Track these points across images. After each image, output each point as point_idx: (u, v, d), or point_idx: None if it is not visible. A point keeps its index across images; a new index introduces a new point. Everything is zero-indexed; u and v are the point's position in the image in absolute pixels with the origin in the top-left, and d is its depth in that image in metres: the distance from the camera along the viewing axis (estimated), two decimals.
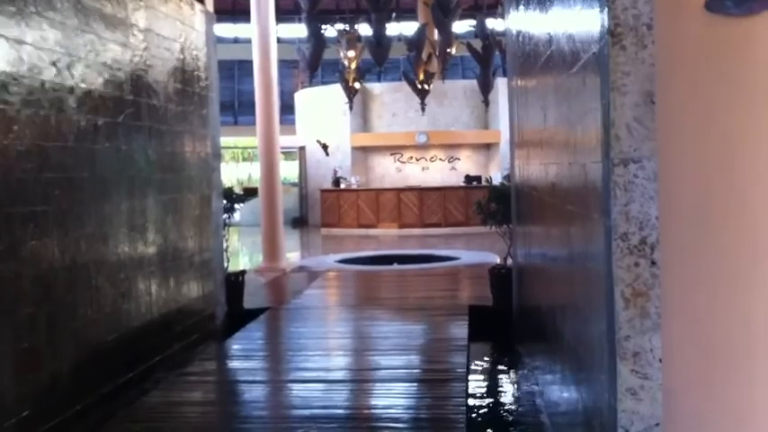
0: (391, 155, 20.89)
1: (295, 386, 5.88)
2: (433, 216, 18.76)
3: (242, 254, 16.28)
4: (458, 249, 14.36)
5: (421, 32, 17.95)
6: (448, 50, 16.29)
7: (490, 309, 8.47)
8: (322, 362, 6.50)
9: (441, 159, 20.70)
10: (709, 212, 2.10)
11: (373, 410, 5.28)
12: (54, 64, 5.10)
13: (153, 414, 5.23)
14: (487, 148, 20.79)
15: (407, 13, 20.38)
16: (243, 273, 9.02)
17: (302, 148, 22.04)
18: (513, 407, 5.87)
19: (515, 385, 6.45)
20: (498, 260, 12.63)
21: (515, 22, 6.47)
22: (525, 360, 6.55)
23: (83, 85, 5.48)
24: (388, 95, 20.88)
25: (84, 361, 5.41)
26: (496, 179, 19.54)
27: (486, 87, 17.72)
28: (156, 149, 6.80)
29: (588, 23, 2.90)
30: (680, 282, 2.28)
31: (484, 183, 14.40)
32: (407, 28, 18.89)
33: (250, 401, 5.66)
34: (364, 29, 18.31)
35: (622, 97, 2.53)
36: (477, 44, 18.08)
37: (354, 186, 19.76)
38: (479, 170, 20.42)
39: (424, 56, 17.95)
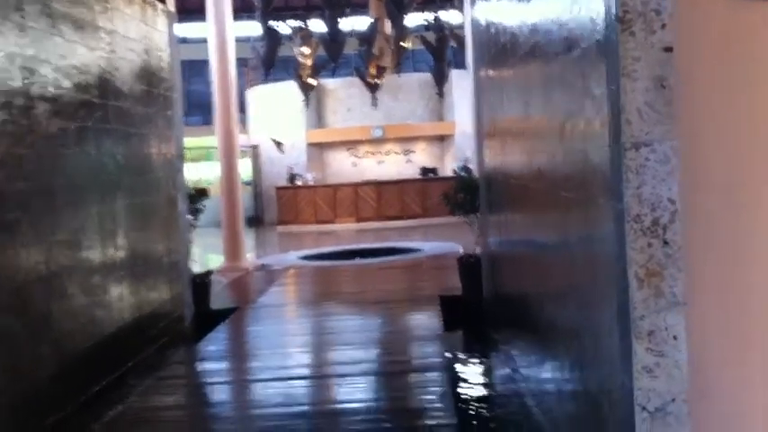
0: (347, 150, 20.88)
1: (275, 384, 5.84)
2: (390, 209, 18.83)
3: (201, 254, 16.09)
4: (419, 241, 14.44)
5: (372, 27, 17.98)
6: (402, 44, 16.31)
7: (460, 298, 8.54)
8: (298, 358, 6.49)
9: (396, 153, 20.76)
10: (736, 193, 2.16)
11: (359, 404, 5.28)
12: (23, 69, 4.97)
13: (135, 420, 5.16)
14: (442, 140, 20.91)
15: (360, 8, 20.34)
16: (209, 273, 8.93)
17: (255, 147, 21.86)
18: (493, 392, 5.93)
19: (494, 371, 6.53)
20: (461, 250, 12.75)
21: (485, 12, 6.52)
22: (502, 346, 6.62)
23: (52, 90, 5.36)
24: (342, 91, 20.84)
25: (63, 369, 5.30)
26: (452, 170, 19.80)
27: (440, 80, 17.86)
28: (125, 152, 6.68)
29: (588, 11, 2.95)
30: (707, 261, 2.34)
31: (453, 174, 14.48)
32: (359, 23, 18.85)
33: (232, 402, 5.64)
34: (317, 25, 18.28)
35: (633, 83, 2.58)
36: (430, 37, 18.21)
37: (311, 183, 19.71)
38: (435, 162, 20.55)
39: (376, 50, 17.99)
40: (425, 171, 19.50)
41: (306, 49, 18.01)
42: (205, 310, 8.65)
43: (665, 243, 2.57)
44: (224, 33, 11.63)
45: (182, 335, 7.92)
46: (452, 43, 16.91)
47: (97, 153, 6.11)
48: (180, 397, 5.84)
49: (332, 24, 16.23)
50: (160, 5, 7.79)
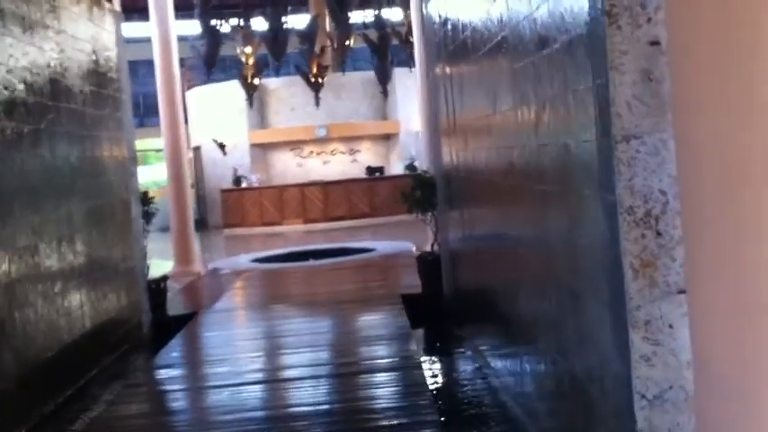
0: (291, 150, 20.71)
1: (249, 388, 5.77)
2: (338, 209, 18.75)
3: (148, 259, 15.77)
4: (371, 241, 14.41)
5: (313, 24, 17.89)
6: (346, 42, 16.27)
7: (420, 296, 8.56)
8: (270, 362, 6.43)
9: (342, 152, 20.68)
10: (730, 181, 2.20)
11: (343, 404, 5.27)
12: None
13: (104, 430, 5.03)
14: (387, 138, 20.93)
15: (301, 5, 20.21)
16: (165, 279, 8.77)
17: (197, 149, 21.54)
18: (465, 388, 5.96)
19: (461, 367, 6.55)
20: (414, 249, 12.80)
21: (440, 8, 6.54)
22: (467, 342, 6.67)
23: (6, 92, 5.18)
24: (284, 90, 20.67)
25: (25, 380, 5.14)
26: (399, 168, 19.85)
27: (384, 78, 17.86)
28: (79, 155, 6.52)
29: (568, 6, 2.98)
30: (705, 249, 2.38)
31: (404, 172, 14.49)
32: (299, 21, 18.72)
33: (200, 408, 5.53)
34: (257, 23, 18.12)
35: (621, 76, 2.62)
36: (372, 35, 18.21)
37: (256, 184, 19.50)
38: (380, 161, 20.55)
39: (317, 48, 17.91)
40: (371, 170, 19.48)
41: (248, 48, 17.82)
42: (162, 317, 8.49)
43: (658, 234, 2.61)
44: (167, 33, 11.42)
45: (141, 342, 7.77)
46: (399, 41, 16.92)
47: (51, 156, 5.94)
48: (147, 405, 5.72)
49: (274, 22, 16.08)
50: (107, 4, 7.62)
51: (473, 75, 5.35)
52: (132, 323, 7.67)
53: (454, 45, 6.01)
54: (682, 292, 2.60)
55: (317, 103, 17.51)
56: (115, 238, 7.37)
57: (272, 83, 20.71)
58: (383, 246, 13.29)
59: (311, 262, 12.47)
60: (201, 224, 21.35)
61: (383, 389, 5.45)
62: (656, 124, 2.60)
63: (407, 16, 16.43)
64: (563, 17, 3.08)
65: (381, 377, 5.68)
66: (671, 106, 2.53)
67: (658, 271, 2.61)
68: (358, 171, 20.12)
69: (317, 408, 5.11)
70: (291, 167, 20.80)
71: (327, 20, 19.82)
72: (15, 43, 5.38)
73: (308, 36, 17.15)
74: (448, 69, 6.51)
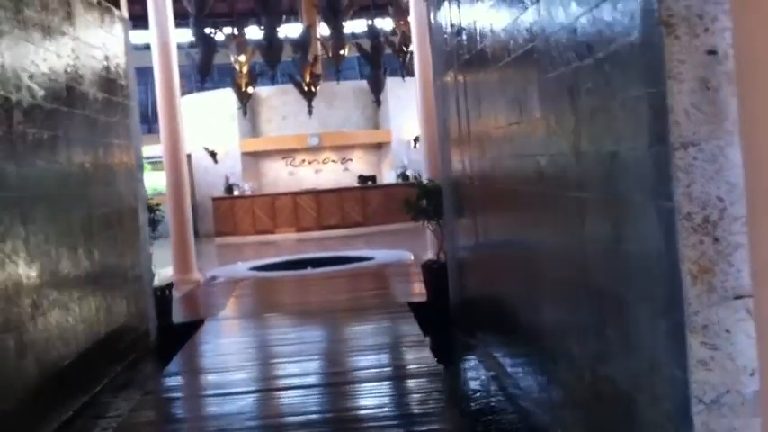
0: (283, 159, 20.72)
1: (273, 394, 5.79)
2: (330, 218, 18.77)
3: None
4: (369, 250, 14.42)
5: (306, 34, 17.92)
6: (341, 52, 16.32)
7: (426, 304, 8.58)
8: (289, 368, 6.44)
9: (333, 161, 20.72)
10: None
11: (361, 411, 5.28)
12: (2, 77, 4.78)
13: None
14: (379, 147, 21.00)
15: (294, 15, 20.26)
16: (170, 286, 8.74)
17: (188, 156, 21.43)
18: (479, 395, 5.98)
19: (473, 375, 6.57)
20: (412, 257, 12.84)
21: (453, 18, 6.57)
22: (480, 350, 6.68)
23: (29, 98, 5.16)
24: (277, 99, 20.70)
25: (38, 389, 5.09)
26: (391, 178, 19.90)
27: (377, 87, 17.91)
28: (92, 162, 6.50)
29: (616, 16, 3.02)
30: None
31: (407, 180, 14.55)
32: (292, 30, 18.74)
33: (225, 414, 5.48)
34: (251, 32, 18.14)
35: (679, 85, 2.66)
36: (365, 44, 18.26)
37: (248, 193, 19.47)
38: (372, 170, 20.60)
39: (310, 57, 17.94)
40: (364, 179, 19.52)
41: (242, 57, 17.82)
42: (167, 324, 8.45)
43: (716, 240, 2.65)
44: (167, 40, 11.41)
45: (148, 350, 7.74)
46: (393, 51, 16.99)
47: (68, 163, 5.92)
48: (165, 413, 5.69)
49: (269, 31, 16.09)
50: (116, 12, 7.60)
51: (494, 83, 5.39)
52: (140, 331, 7.64)
53: (470, 54, 6.05)
54: (739, 297, 2.64)
55: (311, 112, 17.52)
56: (125, 245, 7.34)
57: (263, 91, 20.72)
58: (381, 254, 13.32)
59: (309, 270, 12.47)
60: (193, 232, 21.24)
61: (408, 395, 5.45)
62: (713, 132, 2.65)
63: (400, 26, 16.48)
64: (609, 27, 3.12)
65: (406, 384, 5.69)
66: (738, 115, 2.57)
67: (716, 276, 2.65)
68: (350, 180, 20.16)
69: (344, 414, 5.12)
70: (283, 176, 20.80)
71: (318, 30, 19.88)
72: (36, 50, 5.37)
73: (301, 45, 17.15)
74: (461, 78, 6.55)
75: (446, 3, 6.91)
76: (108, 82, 7.11)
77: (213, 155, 20.39)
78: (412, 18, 12.09)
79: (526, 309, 5.03)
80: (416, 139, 20.32)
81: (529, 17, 4.31)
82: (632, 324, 3.19)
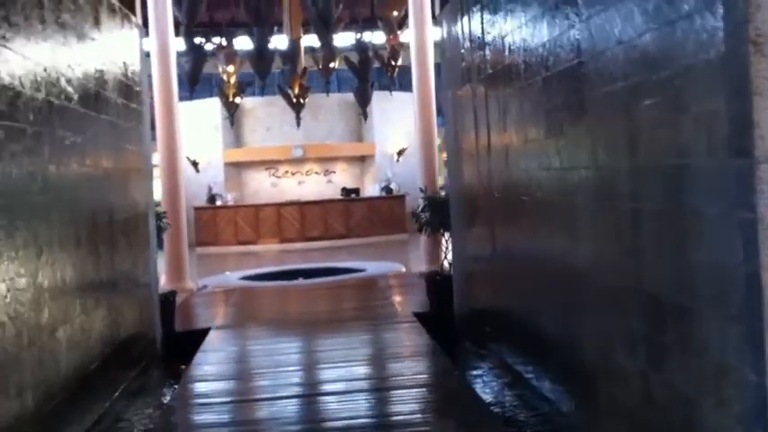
0: (266, 170, 20.69)
1: (309, 400, 5.82)
2: (314, 230, 18.78)
3: None
4: (360, 261, 14.44)
5: (294, 46, 17.97)
6: (331, 64, 16.40)
7: (431, 314, 8.66)
8: (303, 377, 6.46)
9: (317, 173, 20.74)
10: None
11: (385, 418, 5.31)
12: (40, 80, 4.77)
13: None
14: (362, 160, 21.08)
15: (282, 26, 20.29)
16: (173, 294, 8.70)
17: None
18: (496, 402, 6.07)
19: (485, 384, 6.66)
20: (403, 269, 12.93)
21: (475, 33, 6.69)
22: (492, 359, 6.77)
23: (65, 102, 5.17)
24: (261, 110, 20.69)
25: (72, 394, 5.06)
26: (374, 191, 19.99)
27: (364, 101, 18.00)
28: (115, 168, 6.50)
29: (694, 34, 3.14)
30: None
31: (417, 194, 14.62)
32: (281, 42, 18.74)
33: (252, 420, 5.51)
34: (241, 42, 18.15)
35: (765, 101, 2.79)
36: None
37: (231, 203, 19.41)
38: (355, 182, 20.67)
39: (299, 69, 17.98)
40: (347, 191, 19.58)
41: (230, 67, 17.82)
42: (171, 332, 8.42)
43: None
44: (167, 47, 11.40)
45: (156, 357, 7.70)
46: (382, 64, 17.11)
47: (94, 168, 5.91)
48: (190, 419, 5.67)
49: (260, 42, 16.11)
50: (134, 18, 7.61)
51: (526, 97, 5.49)
52: (148, 338, 7.60)
53: (495, 68, 6.17)
54: None
55: (299, 124, 17.54)
56: (138, 251, 7.32)
57: (248, 102, 20.68)
58: (372, 266, 13.37)
59: (301, 281, 12.47)
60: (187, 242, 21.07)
61: (416, 404, 5.51)
62: None
63: (390, 41, 16.62)
64: (680, 44, 3.25)
65: (413, 393, 5.75)
66: None
67: None
68: (332, 192, 20.20)
69: (371, 420, 5.17)
70: (266, 187, 20.76)
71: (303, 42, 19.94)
72: (72, 54, 5.37)
73: (290, 57, 17.19)
74: (483, 91, 6.65)
75: (466, 18, 7.03)
76: (126, 87, 7.11)
77: (195, 164, 20.27)
78: (411, 33, 12.23)
79: (559, 318, 5.12)
80: (400, 153, 20.51)
81: (575, 33, 4.44)
82: (696, 330, 3.29)
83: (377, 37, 18.61)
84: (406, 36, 17.15)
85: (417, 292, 9.72)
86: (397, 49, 16.53)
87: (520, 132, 5.73)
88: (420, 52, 11.80)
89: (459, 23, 7.36)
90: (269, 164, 20.59)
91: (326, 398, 5.85)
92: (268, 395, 5.92)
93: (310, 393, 6.00)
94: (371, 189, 20.22)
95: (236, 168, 20.72)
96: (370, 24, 18.57)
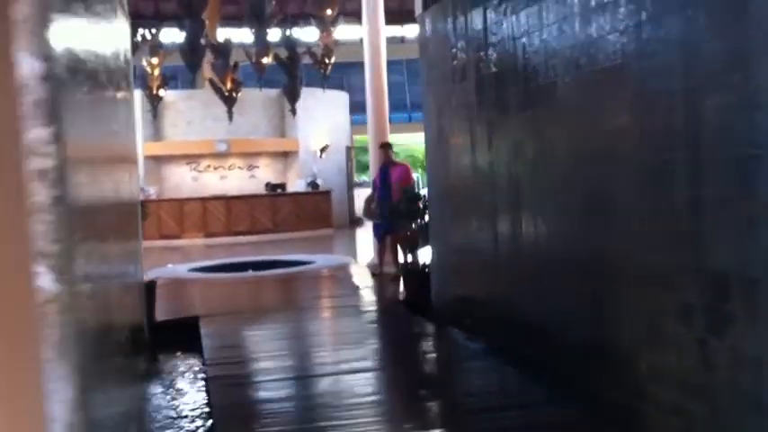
0: (187, 164, 20.42)
1: (334, 378, 6.08)
2: (240, 224, 18.72)
3: None
4: (306, 255, 14.41)
5: (228, 40, 17.87)
6: (263, 59, 16.43)
7: (409, 303, 8.97)
8: (322, 357, 6.71)
9: (240, 167, 20.65)
10: None
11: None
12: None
13: None
14: (286, 156, 21.13)
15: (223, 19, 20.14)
16: (154, 283, 8.65)
17: None
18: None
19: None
20: (353, 261, 13.18)
21: (472, 32, 7.05)
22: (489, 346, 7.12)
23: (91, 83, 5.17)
24: (182, 103, 20.40)
25: None
26: (300, 186, 20.11)
27: (293, 97, 18.10)
28: (124, 153, 6.47)
29: None
30: None
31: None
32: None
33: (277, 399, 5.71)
34: (166, 35, 17.92)
35: None
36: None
37: (153, 197, 19.07)
38: (279, 178, 20.71)
39: (231, 63, 17.87)
40: (273, 187, 19.62)
41: (154, 60, 17.55)
42: (152, 321, 8.38)
43: None
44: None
45: (144, 345, 7.65)
46: (315, 62, 17.25)
47: (110, 154, 5.90)
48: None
49: (191, 35, 15.93)
50: (124, 3, 7.54)
51: (546, 96, 5.87)
52: (136, 326, 7.55)
53: (501, 67, 6.54)
54: None
55: (231, 118, 17.44)
56: (129, 240, 7.28)
57: (169, 95, 20.34)
58: (323, 259, 13.52)
59: (251, 273, 12.49)
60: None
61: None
62: None
63: (323, 38, 16.80)
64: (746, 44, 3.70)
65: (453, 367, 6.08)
66: None
67: None
68: (255, 187, 20.17)
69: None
70: (187, 181, 20.49)
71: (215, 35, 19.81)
72: (95, 34, 5.36)
73: (222, 51, 17.06)
74: (483, 89, 7.01)
75: (462, 17, 7.38)
76: (124, 74, 7.06)
77: None
78: (364, 30, 12.50)
79: (571, 312, 5.51)
80: (323, 149, 20.71)
81: (616, 36, 4.86)
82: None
83: (306, 34, 18.76)
84: (339, 33, 17.44)
85: (380, 282, 10.01)
86: (330, 47, 16.74)
87: (537, 127, 6.11)
88: (374, 49, 12.10)
89: (447, 21, 7.70)
90: (190, 158, 20.33)
91: (349, 376, 6.11)
92: (294, 374, 6.11)
93: (339, 371, 6.22)
94: (296, 184, 20.32)
95: (155, 162, 20.35)
96: (300, 21, 18.68)
